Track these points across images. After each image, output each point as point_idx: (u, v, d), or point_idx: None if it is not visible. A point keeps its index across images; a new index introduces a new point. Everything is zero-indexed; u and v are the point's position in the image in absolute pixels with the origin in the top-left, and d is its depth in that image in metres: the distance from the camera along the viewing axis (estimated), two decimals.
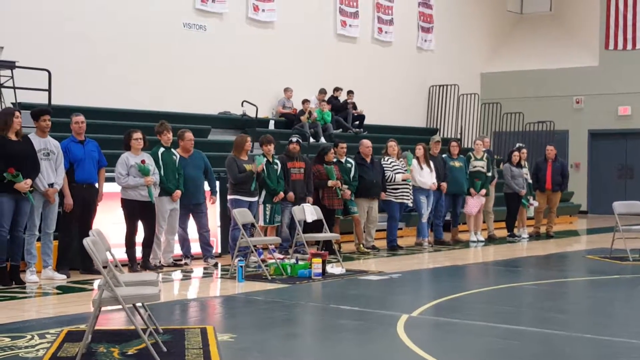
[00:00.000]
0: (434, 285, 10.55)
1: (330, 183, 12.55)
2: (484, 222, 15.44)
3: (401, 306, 8.51)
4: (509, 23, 25.83)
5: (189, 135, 11.53)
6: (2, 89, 13.29)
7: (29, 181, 9.22)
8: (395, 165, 13.46)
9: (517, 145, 16.74)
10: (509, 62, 24.80)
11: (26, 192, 9.21)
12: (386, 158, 13.57)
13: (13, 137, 9.33)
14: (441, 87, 22.87)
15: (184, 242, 11.52)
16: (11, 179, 9.08)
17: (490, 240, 15.38)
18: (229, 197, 11.68)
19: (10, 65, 13.17)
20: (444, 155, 14.60)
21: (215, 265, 11.33)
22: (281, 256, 11.45)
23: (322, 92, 19.03)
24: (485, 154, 15.26)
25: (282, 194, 11.98)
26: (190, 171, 11.36)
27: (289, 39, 18.91)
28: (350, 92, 19.43)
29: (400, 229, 14.94)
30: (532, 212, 16.28)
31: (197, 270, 11.08)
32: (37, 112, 9.94)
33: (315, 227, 11.86)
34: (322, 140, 17.56)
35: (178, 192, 11.04)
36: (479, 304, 8.92)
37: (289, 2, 18.83)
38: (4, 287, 9.16)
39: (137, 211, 10.59)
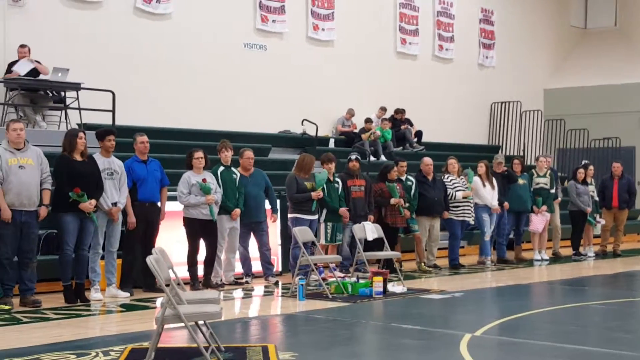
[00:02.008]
0: (498, 305, 10.38)
1: (393, 201, 12.47)
2: (549, 240, 15.17)
3: (464, 325, 8.37)
4: (572, 38, 25.46)
5: (248, 153, 11.58)
6: (68, 110, 13.58)
7: (93, 201, 9.37)
8: (455, 183, 13.34)
9: (583, 162, 16.46)
10: (573, 78, 24.40)
11: (90, 212, 9.36)
12: (446, 176, 13.45)
13: (78, 158, 9.50)
14: (503, 104, 22.62)
15: (245, 261, 11.55)
16: (76, 198, 9.23)
17: (555, 258, 15.08)
18: (289, 215, 11.69)
19: (76, 86, 13.46)
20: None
21: (276, 283, 11.34)
22: (342, 274, 11.40)
23: (383, 109, 18.99)
24: (549, 171, 15.04)
25: (346, 213, 11.91)
26: (251, 190, 11.41)
27: (348, 57, 18.93)
28: (402, 110, 19.25)
29: (462, 247, 14.77)
30: (598, 230, 15.96)
31: (258, 288, 11.09)
32: (102, 132, 10.11)
33: (376, 245, 11.79)
34: (383, 158, 17.50)
35: (237, 211, 11.09)
36: (544, 323, 8.73)
37: (349, 21, 18.87)
38: (69, 305, 9.31)
39: (199, 229, 10.67)
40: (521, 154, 21.60)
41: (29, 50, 13.31)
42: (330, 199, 11.84)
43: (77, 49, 14.29)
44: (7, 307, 8.84)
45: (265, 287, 11.18)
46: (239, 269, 11.55)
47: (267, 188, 11.61)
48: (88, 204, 9.30)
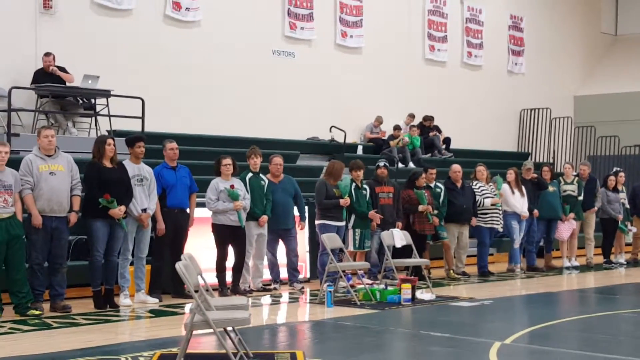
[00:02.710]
0: (527, 312, 10.29)
1: (421, 208, 12.42)
2: (580, 247, 15.02)
3: (493, 333, 8.31)
4: (603, 45, 25.24)
5: (277, 160, 11.59)
6: (98, 117, 13.69)
7: (122, 208, 9.43)
8: (484, 190, 13.26)
9: (615, 169, 16.30)
10: (604, 85, 24.18)
11: (119, 218, 9.41)
12: (475, 183, 13.38)
13: (108, 164, 9.56)
14: (533, 111, 22.47)
15: (273, 267, 11.56)
16: (106, 204, 9.29)
17: (586, 266, 14.94)
18: (317, 222, 11.68)
19: (106, 93, 13.57)
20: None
21: (302, 290, 11.32)
22: (370, 281, 11.36)
23: (411, 116, 18.95)
24: (576, 178, 14.92)
25: (378, 216, 11.88)
26: (280, 196, 11.42)
27: (377, 64, 18.91)
28: (430, 118, 19.20)
29: (491, 254, 14.67)
30: (630, 237, 15.78)
31: (286, 295, 11.09)
32: (132, 139, 10.18)
33: (404, 252, 11.74)
34: (411, 164, 17.45)
35: (264, 217, 11.10)
36: (575, 332, 8.64)
37: (377, 27, 18.85)
38: (98, 310, 9.36)
39: (227, 236, 10.69)
40: (551, 161, 21.45)
41: (54, 58, 13.44)
42: (359, 205, 11.82)
43: (107, 56, 14.40)
44: (37, 312, 8.91)
45: (290, 293, 11.17)
46: (267, 275, 11.56)
47: (296, 195, 11.61)
48: (118, 210, 9.36)
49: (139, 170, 9.94)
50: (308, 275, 12.36)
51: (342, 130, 17.10)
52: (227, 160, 10.74)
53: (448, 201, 12.88)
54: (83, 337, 7.82)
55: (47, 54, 13.38)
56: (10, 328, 8.24)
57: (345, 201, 11.53)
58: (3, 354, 7.01)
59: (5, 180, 8.86)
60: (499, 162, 17.89)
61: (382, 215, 12.12)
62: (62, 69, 13.44)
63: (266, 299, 10.72)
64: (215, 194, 10.61)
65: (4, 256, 8.84)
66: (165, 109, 14.90)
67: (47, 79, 13.27)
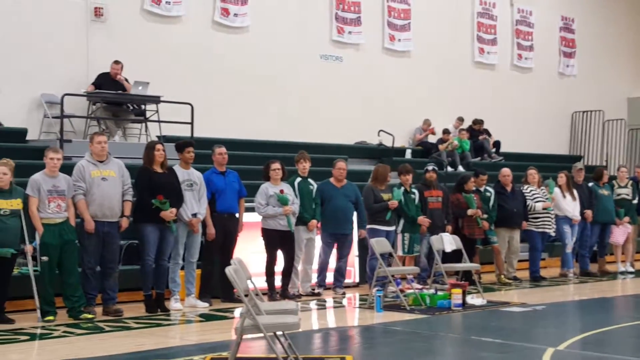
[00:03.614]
0: (581, 318, 10.12)
1: (470, 212, 12.31)
2: (638, 252, 14.75)
3: (546, 339, 8.18)
4: None
5: (340, 164, 11.58)
6: (148, 123, 13.84)
7: (174, 210, 9.50)
8: (535, 194, 13.09)
9: None
10: None
11: (170, 221, 9.49)
12: (526, 186, 13.21)
13: (158, 169, 9.65)
14: (585, 113, 22.12)
15: (322, 271, 11.54)
16: (159, 205, 9.36)
17: None
18: (366, 226, 11.63)
19: (156, 99, 13.71)
20: (590, 184, 14.13)
21: (343, 294, 11.29)
22: (419, 286, 11.28)
23: (460, 119, 18.82)
24: (630, 181, 14.67)
25: (427, 221, 11.81)
26: (341, 201, 11.39)
27: (425, 68, 18.81)
28: (480, 121, 19.03)
29: (543, 259, 14.46)
30: None
31: (330, 299, 11.05)
32: (182, 144, 10.25)
33: (454, 257, 11.64)
34: (460, 168, 17.31)
35: (314, 222, 11.09)
36: (630, 338, 8.48)
37: (426, 31, 18.75)
38: (149, 314, 9.44)
39: (276, 240, 10.70)
40: (604, 164, 21.09)
41: (122, 67, 13.63)
42: (408, 210, 11.76)
43: (156, 63, 14.56)
44: (90, 316, 9.02)
45: (334, 298, 11.13)
46: (313, 279, 11.55)
47: (357, 201, 11.56)
48: (169, 212, 9.43)
49: (188, 176, 10.00)
50: (357, 280, 12.31)
51: (391, 134, 17.04)
52: (276, 165, 10.77)
53: (498, 205, 12.74)
54: (135, 341, 7.90)
55: (116, 62, 13.60)
56: (63, 331, 8.35)
57: (393, 203, 11.47)
58: (57, 357, 7.12)
59: (58, 186, 8.99)
60: (551, 166, 17.65)
61: (431, 220, 12.04)
62: (125, 80, 13.65)
63: (315, 304, 10.70)
64: (265, 198, 10.63)
65: (58, 260, 8.96)
66: (214, 115, 15.00)
67: (110, 86, 13.47)
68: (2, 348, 7.57)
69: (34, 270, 8.88)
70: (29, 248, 8.81)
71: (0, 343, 7.75)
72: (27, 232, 8.79)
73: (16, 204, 8.72)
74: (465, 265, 11.53)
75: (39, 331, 8.39)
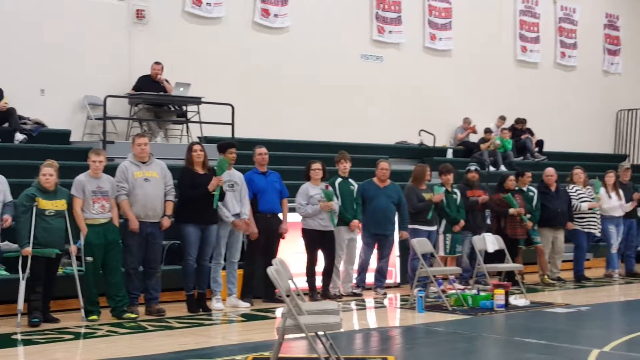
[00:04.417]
0: (627, 319, 9.97)
1: (511, 211, 12.17)
2: None
3: (591, 341, 8.08)
4: None
5: (383, 164, 11.55)
6: (189, 124, 13.93)
7: (221, 178, 9.51)
8: (581, 194, 12.92)
9: None
10: None
11: (214, 191, 9.47)
12: (571, 186, 13.05)
13: (200, 170, 9.71)
14: (631, 112, 21.78)
15: (362, 271, 11.50)
16: (215, 194, 9.40)
17: None
18: (408, 226, 11.57)
19: (197, 100, 13.80)
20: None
21: (384, 295, 11.24)
22: (461, 287, 11.20)
23: (502, 118, 18.65)
24: None
25: (462, 222, 11.74)
26: (383, 201, 11.35)
27: (466, 66, 18.67)
28: (522, 120, 18.84)
29: (588, 259, 14.27)
30: None
31: (372, 300, 11.01)
32: (224, 145, 10.29)
33: (496, 257, 11.53)
34: (502, 168, 17.15)
35: (355, 222, 11.06)
36: None
37: (467, 29, 18.61)
38: (191, 314, 9.49)
39: (317, 240, 10.70)
40: None
41: (162, 68, 13.75)
42: (450, 210, 11.68)
43: (198, 64, 14.64)
44: (133, 316, 9.10)
45: (375, 299, 11.09)
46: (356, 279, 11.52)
47: (400, 202, 11.51)
48: (216, 179, 9.42)
49: (229, 176, 10.04)
50: (398, 280, 12.26)
51: (432, 134, 16.94)
52: (316, 165, 10.77)
53: (542, 205, 12.60)
54: (177, 340, 7.95)
55: (157, 63, 13.72)
56: (107, 331, 8.44)
57: (439, 196, 11.37)
58: (101, 356, 7.19)
59: (102, 187, 9.09)
60: (595, 165, 17.40)
61: (473, 220, 11.94)
62: (166, 81, 13.77)
63: (356, 304, 10.66)
64: (305, 198, 10.63)
65: (102, 260, 9.05)
66: (254, 115, 15.04)
67: (151, 87, 13.60)
68: (48, 347, 7.67)
69: (78, 270, 8.98)
70: (73, 248, 8.91)
71: (46, 342, 7.85)
72: (71, 232, 8.89)
73: (61, 204, 8.82)
74: (508, 265, 11.42)
75: (83, 330, 8.48)
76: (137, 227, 9.19)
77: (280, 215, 10.62)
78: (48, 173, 8.76)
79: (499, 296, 9.96)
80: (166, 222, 9.44)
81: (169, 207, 9.49)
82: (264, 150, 10.66)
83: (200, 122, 13.86)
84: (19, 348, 7.80)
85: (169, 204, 9.49)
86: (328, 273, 10.84)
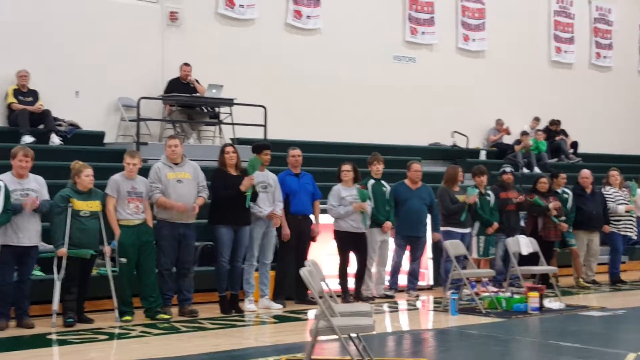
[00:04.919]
0: None
1: (551, 205, 11.96)
2: None
3: (628, 344, 7.96)
4: None
5: (415, 166, 11.51)
6: (222, 125, 13.97)
7: (253, 177, 9.50)
8: (617, 196, 12.77)
9: None
10: None
11: (247, 191, 9.49)
12: (607, 188, 12.89)
13: (233, 172, 9.72)
14: None
15: (395, 274, 11.46)
16: (248, 194, 9.43)
17: None
18: (440, 228, 11.51)
19: (229, 102, 13.84)
20: None
21: (417, 297, 11.18)
22: (495, 289, 11.11)
23: (536, 120, 18.49)
24: None
25: (496, 225, 11.64)
26: (415, 203, 11.31)
27: (500, 67, 18.55)
28: (557, 122, 18.67)
29: (623, 262, 14.07)
30: None
31: (404, 302, 10.96)
32: (259, 146, 10.31)
33: (531, 260, 11.42)
34: (536, 170, 17.01)
35: (388, 224, 11.02)
36: None
37: (500, 30, 18.49)
38: (224, 315, 9.51)
39: (349, 242, 10.67)
40: None
41: (191, 69, 13.82)
42: (483, 212, 11.59)
43: (230, 66, 14.69)
44: (166, 316, 9.14)
45: (407, 301, 11.03)
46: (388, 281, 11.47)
47: (432, 204, 11.46)
48: (249, 179, 9.43)
49: (263, 177, 10.04)
50: (431, 283, 12.19)
51: (465, 136, 16.84)
52: (347, 167, 10.74)
53: (577, 207, 12.46)
54: (210, 342, 7.97)
55: (186, 64, 13.80)
56: (141, 331, 8.48)
57: (473, 198, 11.31)
58: (134, 357, 7.23)
59: (137, 188, 9.15)
60: (630, 167, 17.21)
61: (507, 222, 11.84)
62: (196, 82, 13.83)
63: (388, 306, 10.62)
64: (337, 200, 10.61)
65: (136, 261, 9.11)
66: (286, 117, 15.05)
67: (182, 89, 13.67)
68: (82, 347, 7.73)
69: (112, 271, 9.04)
70: (107, 249, 8.97)
71: (80, 342, 7.92)
72: (105, 233, 8.95)
73: (95, 205, 8.89)
74: (542, 268, 11.31)
75: (117, 331, 8.54)
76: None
77: (311, 217, 10.61)
78: (90, 174, 8.83)
79: (534, 299, 9.87)
80: (200, 201, 9.40)
81: (200, 200, 9.47)
82: (297, 152, 10.66)
83: (232, 124, 13.91)
84: (54, 348, 7.87)
85: (199, 199, 9.48)
86: (360, 275, 10.81)
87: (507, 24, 18.61)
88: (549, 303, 10.19)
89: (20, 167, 8.60)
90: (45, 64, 13.02)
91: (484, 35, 18.38)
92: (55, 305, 8.63)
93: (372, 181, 11.15)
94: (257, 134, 13.69)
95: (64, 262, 8.61)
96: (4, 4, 12.90)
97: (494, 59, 18.53)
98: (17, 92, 12.56)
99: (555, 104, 19.15)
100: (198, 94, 13.82)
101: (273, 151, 10.75)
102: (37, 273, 9.27)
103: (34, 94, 12.67)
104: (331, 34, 16.18)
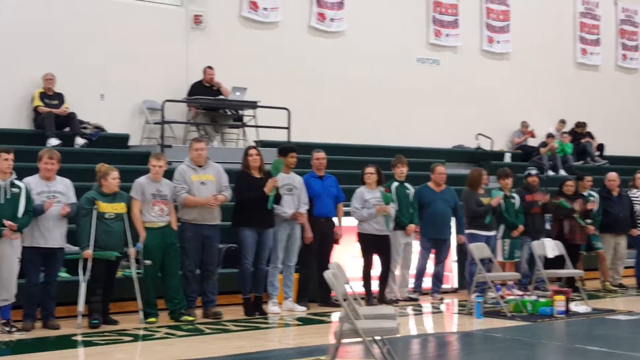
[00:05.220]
0: None
1: (576, 206, 11.86)
2: None
3: None
4: None
5: (440, 168, 11.47)
6: (245, 128, 14.00)
7: (276, 179, 9.50)
8: None
9: None
10: None
11: (270, 195, 9.47)
12: (634, 191, 12.77)
13: (256, 174, 9.73)
14: None
15: (419, 277, 11.41)
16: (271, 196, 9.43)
17: None
18: (465, 231, 11.46)
19: (253, 105, 13.86)
20: None
21: (441, 300, 11.13)
22: (520, 293, 11.03)
23: (562, 122, 18.36)
24: None
25: (521, 227, 11.56)
26: (440, 206, 11.27)
27: (525, 69, 18.44)
28: (583, 124, 18.53)
29: None
30: None
31: (428, 305, 10.92)
32: (285, 149, 10.32)
33: (556, 263, 11.33)
34: (562, 172, 16.89)
35: (412, 226, 10.98)
36: None
37: (525, 32, 18.38)
38: (248, 317, 9.52)
39: (372, 245, 10.63)
40: None
41: (214, 72, 13.87)
42: (508, 215, 11.51)
43: (254, 68, 14.72)
44: (190, 318, 9.16)
45: (432, 304, 10.99)
46: (410, 284, 11.42)
47: (456, 206, 11.42)
48: (272, 181, 9.43)
49: (289, 180, 10.04)
50: (455, 285, 12.13)
51: (489, 138, 16.76)
52: (370, 169, 10.72)
53: (604, 210, 12.36)
54: (234, 344, 7.98)
55: (209, 67, 13.85)
56: (165, 333, 8.51)
57: (497, 199, 11.23)
58: (159, 358, 7.26)
59: (161, 190, 9.18)
60: None
61: (533, 225, 11.76)
62: (220, 84, 13.89)
63: (412, 309, 10.58)
64: (361, 202, 10.58)
65: (160, 263, 9.14)
66: (310, 119, 15.05)
67: (205, 92, 13.72)
68: (107, 348, 7.77)
69: (137, 273, 9.08)
70: (132, 251, 9.01)
71: (105, 343, 7.95)
72: (130, 235, 8.99)
73: (120, 207, 8.93)
74: (568, 271, 11.22)
75: (141, 332, 8.57)
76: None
77: (334, 219, 10.59)
78: (117, 176, 8.89)
79: (560, 302, 9.78)
80: (220, 197, 9.38)
81: (221, 197, 9.43)
82: (322, 154, 10.64)
83: (256, 126, 13.93)
84: (79, 349, 7.92)
85: (221, 196, 9.45)
86: (384, 278, 10.78)
87: (532, 25, 18.51)
88: (576, 307, 10.10)
89: (47, 170, 8.69)
90: (70, 67, 13.11)
91: (509, 37, 18.29)
92: (81, 306, 8.68)
93: (395, 183, 11.11)
94: (280, 136, 13.70)
95: (90, 263, 8.66)
96: (32, 8, 13.01)
97: (518, 61, 18.43)
98: (43, 95, 12.68)
99: (580, 106, 19.01)
100: (222, 97, 13.86)
101: (297, 154, 10.74)
102: (62, 275, 9.33)
103: (59, 97, 12.77)
104: (355, 36, 16.17)
